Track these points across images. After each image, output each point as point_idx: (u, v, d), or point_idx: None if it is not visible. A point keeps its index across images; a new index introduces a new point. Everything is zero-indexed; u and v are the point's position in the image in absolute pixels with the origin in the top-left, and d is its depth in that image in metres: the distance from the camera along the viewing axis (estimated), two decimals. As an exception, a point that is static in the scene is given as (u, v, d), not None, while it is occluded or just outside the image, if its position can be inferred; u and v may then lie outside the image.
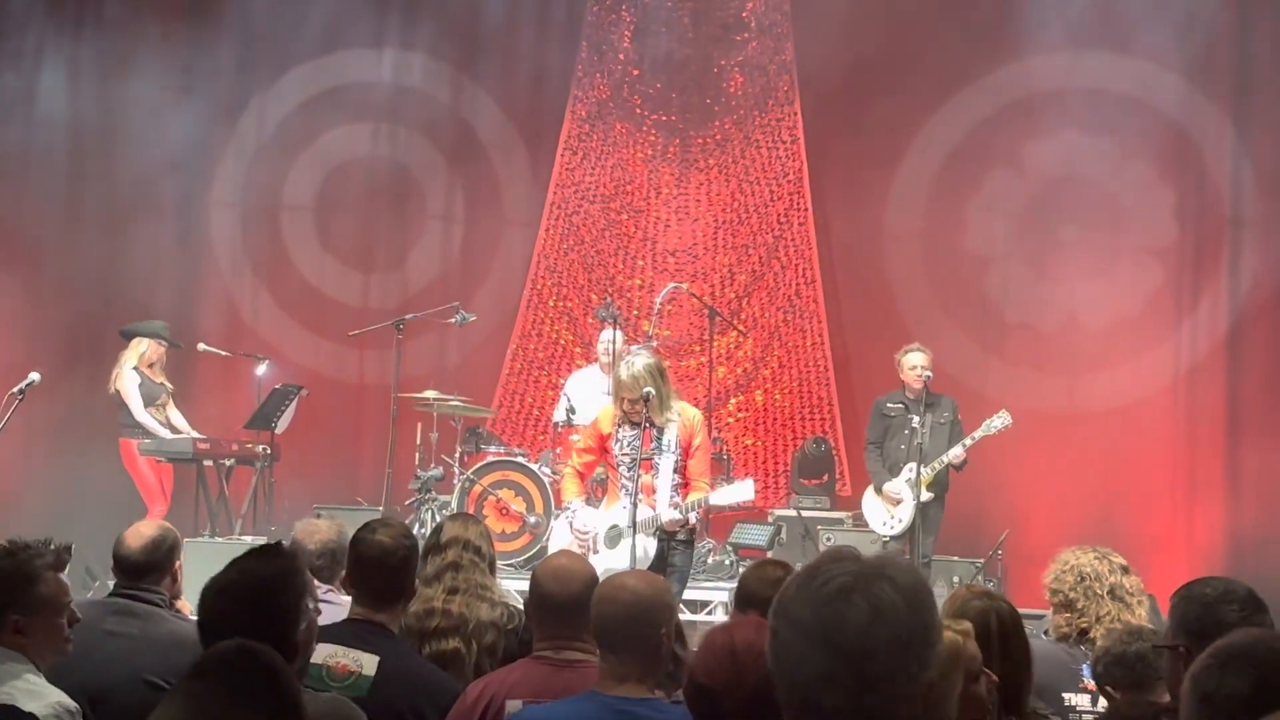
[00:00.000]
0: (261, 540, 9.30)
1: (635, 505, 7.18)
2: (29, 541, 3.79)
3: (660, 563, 7.24)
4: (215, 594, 3.17)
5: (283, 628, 3.11)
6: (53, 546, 3.82)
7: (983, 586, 3.86)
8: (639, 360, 7.37)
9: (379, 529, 4.39)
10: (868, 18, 11.38)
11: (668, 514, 7.24)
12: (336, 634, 4.06)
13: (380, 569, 4.27)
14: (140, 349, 10.75)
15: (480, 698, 3.92)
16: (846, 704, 1.91)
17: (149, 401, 10.72)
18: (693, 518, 7.42)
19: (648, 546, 7.22)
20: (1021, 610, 4.49)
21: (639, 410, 7.19)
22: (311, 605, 3.28)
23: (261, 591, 3.15)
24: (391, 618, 4.29)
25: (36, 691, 3.68)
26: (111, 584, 4.79)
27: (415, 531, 10.10)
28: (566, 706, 3.60)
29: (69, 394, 11.38)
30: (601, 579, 3.85)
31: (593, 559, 7.02)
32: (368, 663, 4.05)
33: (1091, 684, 4.09)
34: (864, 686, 1.90)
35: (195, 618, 3.31)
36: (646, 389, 7.13)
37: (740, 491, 7.62)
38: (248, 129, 12.47)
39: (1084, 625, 4.58)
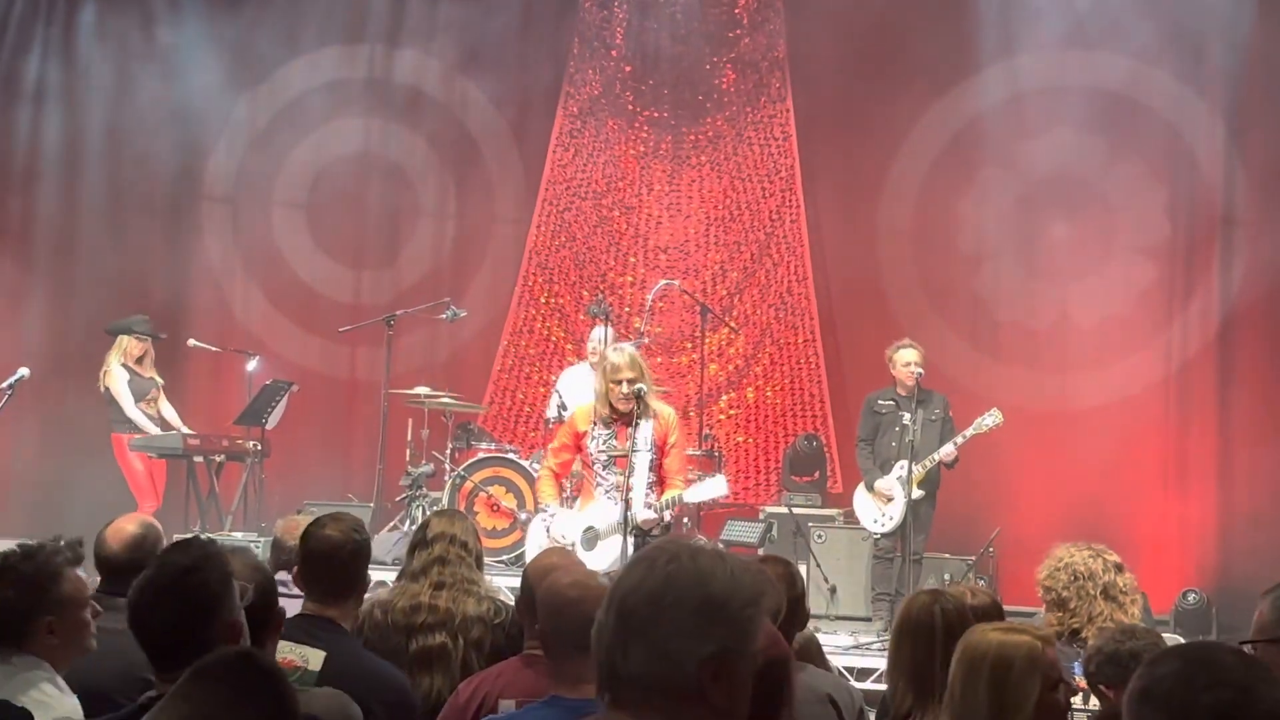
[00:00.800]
0: (253, 536, 9.33)
1: (627, 504, 7.18)
2: (43, 542, 3.77)
3: None
4: (138, 590, 3.17)
5: (205, 617, 3.10)
6: (64, 542, 3.81)
7: (938, 588, 3.84)
8: (627, 347, 7.43)
9: (328, 524, 4.36)
10: (860, 14, 11.36)
11: (643, 513, 7.26)
12: (285, 630, 4.03)
13: (329, 564, 4.24)
14: (123, 345, 10.74)
15: (473, 697, 3.90)
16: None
17: (139, 397, 10.71)
18: (667, 515, 7.43)
19: (626, 545, 7.22)
20: (1013, 607, 4.49)
21: (629, 396, 7.16)
22: (245, 599, 3.27)
23: (180, 582, 3.14)
24: (343, 613, 4.26)
25: (47, 704, 3.66)
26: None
27: (406, 528, 10.15)
28: (528, 714, 3.57)
29: (59, 389, 11.35)
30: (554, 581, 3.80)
31: None
32: (314, 658, 4.02)
33: (1083, 682, 4.07)
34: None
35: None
36: (639, 385, 7.15)
37: (713, 488, 7.59)
38: (239, 124, 12.44)
39: (1076, 625, 4.57)
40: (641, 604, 2.10)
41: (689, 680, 2.08)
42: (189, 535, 3.76)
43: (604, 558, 7.22)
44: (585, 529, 7.41)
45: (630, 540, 7.25)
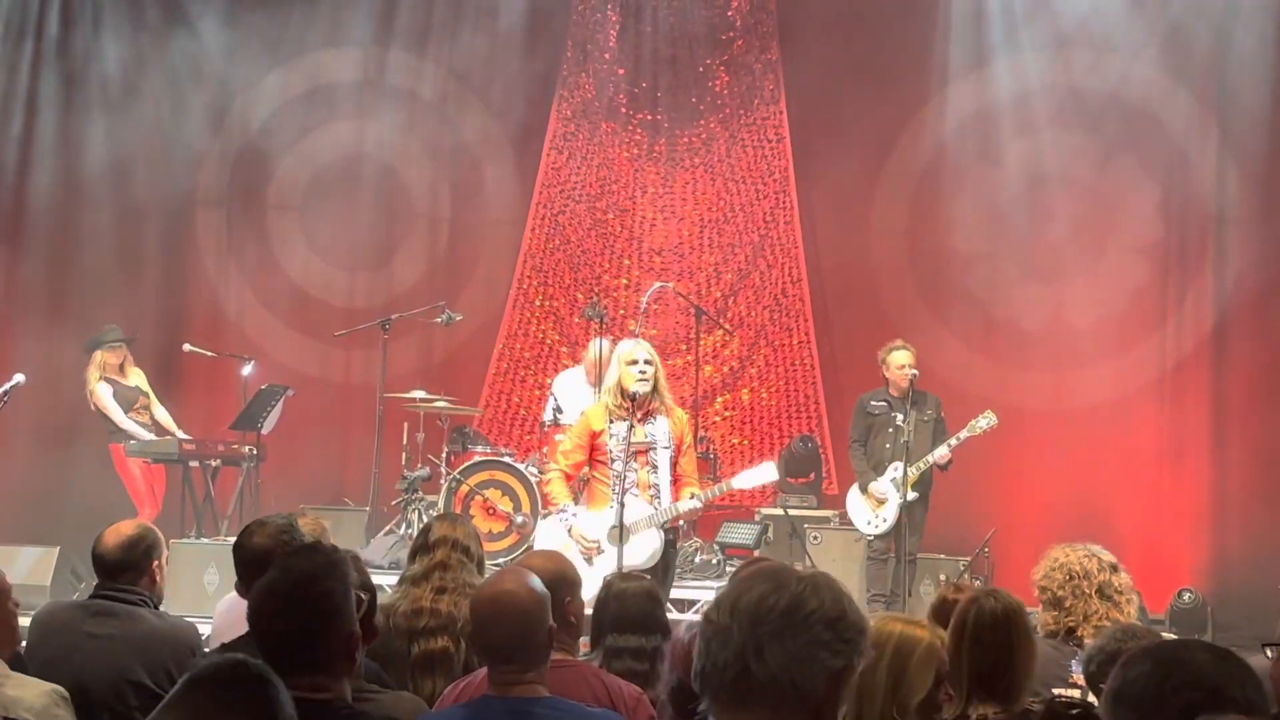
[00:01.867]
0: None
1: (658, 499, 7.26)
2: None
3: (664, 558, 7.30)
4: (260, 594, 3.16)
5: (327, 622, 3.10)
6: None
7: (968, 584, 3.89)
8: (634, 339, 7.49)
9: (255, 531, 4.37)
10: (852, 16, 11.40)
11: (686, 504, 7.28)
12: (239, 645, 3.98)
13: (261, 572, 4.23)
14: (99, 360, 10.76)
15: (460, 698, 3.91)
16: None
17: (128, 406, 10.73)
18: (692, 505, 7.44)
19: (655, 542, 7.24)
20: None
21: (645, 379, 7.17)
22: (362, 610, 3.26)
23: (302, 587, 3.13)
24: None
25: (26, 681, 3.67)
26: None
27: (402, 532, 10.16)
28: (463, 711, 3.58)
29: (53, 396, 11.35)
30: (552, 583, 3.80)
31: (599, 560, 7.15)
32: None
33: (1080, 679, 4.10)
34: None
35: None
36: (655, 371, 7.16)
37: (762, 473, 7.67)
38: (233, 128, 12.43)
39: (1071, 624, 4.59)
40: (779, 613, 2.16)
41: (816, 690, 2.15)
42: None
43: (639, 553, 7.20)
44: (610, 529, 7.30)
45: (660, 535, 7.26)
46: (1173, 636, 9.19)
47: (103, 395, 10.68)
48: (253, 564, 4.22)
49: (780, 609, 2.16)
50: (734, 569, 8.39)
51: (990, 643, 3.63)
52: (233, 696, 2.52)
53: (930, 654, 3.35)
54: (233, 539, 9.30)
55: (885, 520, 9.58)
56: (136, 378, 10.97)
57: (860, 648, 2.20)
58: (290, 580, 3.15)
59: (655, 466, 7.34)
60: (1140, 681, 2.42)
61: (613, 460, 7.36)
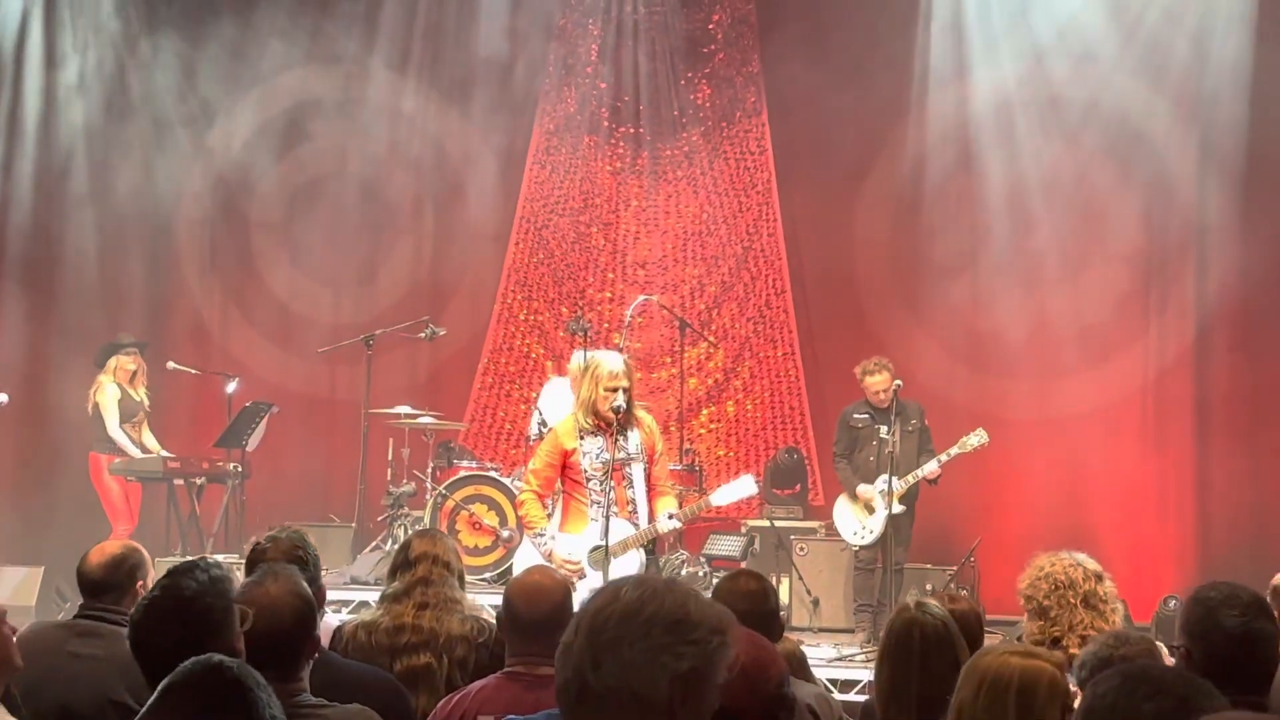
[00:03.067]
0: (234, 558, 9.30)
1: (636, 514, 7.14)
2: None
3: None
4: (141, 610, 3.18)
5: (206, 642, 3.09)
6: None
7: (920, 600, 3.84)
8: (621, 355, 7.39)
9: (269, 547, 4.43)
10: (833, 28, 11.42)
11: (666, 524, 7.16)
12: None
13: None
14: (114, 365, 10.75)
15: (451, 714, 3.91)
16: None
17: (126, 418, 10.72)
18: (673, 525, 7.36)
19: (637, 562, 7.17)
20: (996, 617, 4.52)
21: (619, 406, 7.09)
22: (245, 624, 3.26)
23: (184, 606, 3.15)
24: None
25: None
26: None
27: (388, 547, 10.14)
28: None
29: (36, 414, 11.32)
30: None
31: (581, 585, 6.94)
32: None
33: (1074, 686, 4.10)
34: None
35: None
36: (625, 395, 7.11)
37: (741, 488, 7.42)
38: (216, 144, 12.41)
39: (1057, 633, 4.59)
40: (614, 622, 2.15)
41: (660, 697, 2.12)
42: (191, 558, 3.71)
43: (622, 574, 7.08)
44: (592, 549, 7.16)
45: (641, 554, 7.17)
46: (1160, 644, 9.23)
47: (108, 395, 10.62)
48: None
49: (615, 617, 2.16)
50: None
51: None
52: (210, 699, 2.52)
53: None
54: (219, 557, 9.35)
55: (872, 531, 9.60)
56: (142, 394, 10.96)
57: (711, 646, 2.17)
58: (169, 597, 3.16)
59: (631, 481, 7.23)
60: (1111, 694, 2.48)
61: (588, 479, 7.21)
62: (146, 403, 10.98)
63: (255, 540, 4.64)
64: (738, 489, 7.44)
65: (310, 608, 3.59)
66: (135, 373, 10.89)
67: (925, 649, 3.57)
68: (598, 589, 2.27)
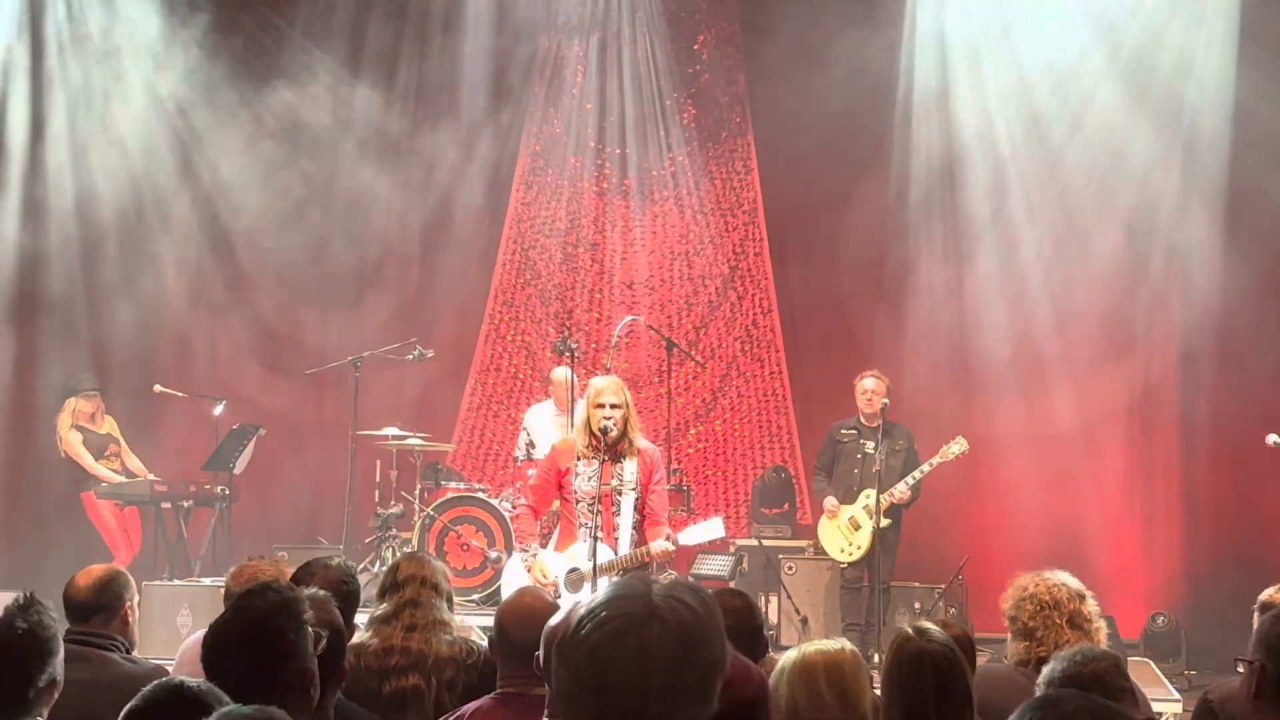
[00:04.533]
0: (221, 582, 9.28)
1: (595, 542, 7.09)
2: (12, 606, 3.72)
3: None
4: (214, 632, 3.17)
5: (279, 663, 3.11)
6: None
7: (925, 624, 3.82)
8: (613, 377, 7.39)
9: (317, 572, 4.41)
10: (818, 48, 11.45)
11: (659, 545, 7.12)
12: None
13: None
14: (72, 407, 10.75)
15: None
16: None
17: (99, 453, 10.71)
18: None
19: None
20: (982, 635, 4.52)
21: (612, 420, 7.10)
22: (319, 648, 3.26)
23: (256, 626, 3.14)
24: None
25: None
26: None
27: (376, 569, 10.13)
28: None
29: (24, 442, 11.30)
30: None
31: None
32: None
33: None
34: None
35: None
36: (621, 413, 7.11)
37: (708, 530, 7.40)
38: (201, 167, 12.40)
39: (1043, 654, 4.58)
40: (654, 692, 1.90)
41: None
42: (265, 582, 3.70)
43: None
44: (569, 570, 7.25)
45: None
46: (1146, 660, 9.25)
47: (73, 442, 10.68)
48: None
49: (633, 678, 1.91)
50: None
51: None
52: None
53: (858, 666, 3.49)
54: (206, 580, 9.37)
55: (859, 547, 9.62)
56: (108, 425, 10.97)
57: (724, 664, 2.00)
58: (243, 620, 3.16)
59: (620, 509, 7.23)
60: None
61: (578, 500, 7.28)
62: (116, 431, 10.97)
63: (304, 566, 4.62)
64: (706, 530, 7.42)
65: (340, 636, 3.60)
66: (94, 413, 10.88)
67: (939, 680, 3.54)
68: (599, 631, 1.94)
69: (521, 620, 3.97)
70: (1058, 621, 4.56)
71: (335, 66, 12.51)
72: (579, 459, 7.29)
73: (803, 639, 10.01)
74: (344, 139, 12.57)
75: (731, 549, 10.75)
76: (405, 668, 4.60)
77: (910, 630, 3.66)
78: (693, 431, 12.60)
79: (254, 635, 3.12)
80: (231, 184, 12.33)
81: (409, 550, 9.43)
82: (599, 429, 7.11)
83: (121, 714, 2.56)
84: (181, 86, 12.15)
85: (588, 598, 2.05)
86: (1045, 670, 3.67)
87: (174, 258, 12.39)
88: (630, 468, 7.25)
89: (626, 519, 7.23)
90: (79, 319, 11.83)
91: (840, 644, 3.54)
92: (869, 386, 9.73)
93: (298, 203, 12.41)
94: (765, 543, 10.70)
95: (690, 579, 9.63)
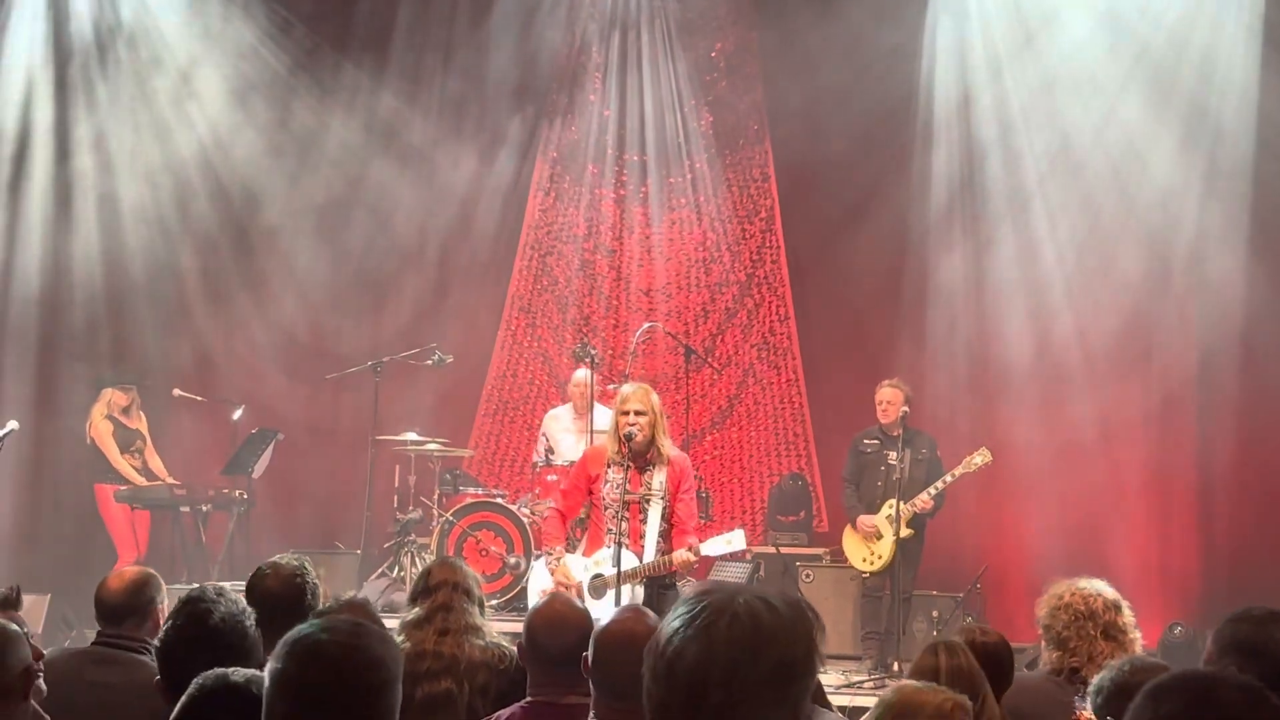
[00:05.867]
0: (239, 585, 9.28)
1: (620, 548, 7.09)
2: None
3: (655, 607, 7.16)
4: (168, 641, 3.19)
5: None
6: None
7: (959, 642, 3.82)
8: (641, 384, 7.41)
9: (269, 574, 4.55)
10: (836, 55, 11.44)
11: (680, 555, 7.11)
12: None
13: (275, 616, 4.20)
14: (108, 397, 10.78)
15: None
16: None
17: (124, 448, 10.73)
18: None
19: (635, 594, 7.16)
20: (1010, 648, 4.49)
21: (638, 427, 7.10)
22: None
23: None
24: None
25: None
26: (88, 632, 4.76)
27: (395, 575, 10.15)
28: None
29: (41, 442, 11.31)
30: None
31: None
32: None
33: (1084, 714, 4.09)
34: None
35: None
36: (646, 420, 7.11)
37: (732, 541, 7.36)
38: (222, 172, 12.38)
39: (1075, 664, 4.58)
40: (714, 681, 1.91)
41: None
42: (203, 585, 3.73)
43: (611, 606, 7.09)
44: (594, 576, 7.26)
45: (640, 590, 7.17)
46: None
47: (103, 432, 10.70)
48: (266, 607, 4.23)
49: (715, 673, 1.94)
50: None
51: None
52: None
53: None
54: (225, 584, 9.37)
55: (881, 557, 9.61)
56: (139, 423, 10.99)
57: (815, 670, 2.03)
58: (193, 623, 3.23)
59: (646, 517, 7.23)
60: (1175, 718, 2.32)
61: (606, 506, 7.29)
62: (145, 430, 10.99)
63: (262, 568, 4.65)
64: (727, 542, 7.39)
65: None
66: (129, 406, 10.91)
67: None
68: (684, 624, 1.97)
69: (552, 627, 3.96)
70: (1092, 632, 4.55)
71: (358, 73, 12.52)
72: (609, 466, 7.31)
73: (820, 648, 10.01)
74: (366, 145, 12.57)
75: (748, 556, 10.74)
76: (437, 672, 4.61)
77: (941, 645, 3.68)
78: (709, 438, 12.59)
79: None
80: (254, 189, 12.34)
81: (429, 555, 9.44)
82: (624, 435, 7.12)
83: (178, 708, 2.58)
84: (206, 92, 12.15)
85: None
86: (1095, 680, 3.66)
87: (195, 262, 12.40)
88: (659, 477, 7.25)
89: (653, 526, 7.22)
90: (100, 322, 11.85)
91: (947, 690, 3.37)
92: (885, 397, 9.72)
93: (319, 208, 12.42)
94: (782, 550, 10.69)
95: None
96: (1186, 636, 9.93)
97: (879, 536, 9.63)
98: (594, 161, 12.87)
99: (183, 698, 2.74)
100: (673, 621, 1.97)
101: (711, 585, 2.01)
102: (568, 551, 7.59)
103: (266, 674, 2.50)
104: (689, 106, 12.76)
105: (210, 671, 2.89)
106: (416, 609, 4.79)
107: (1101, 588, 4.66)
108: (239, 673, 2.87)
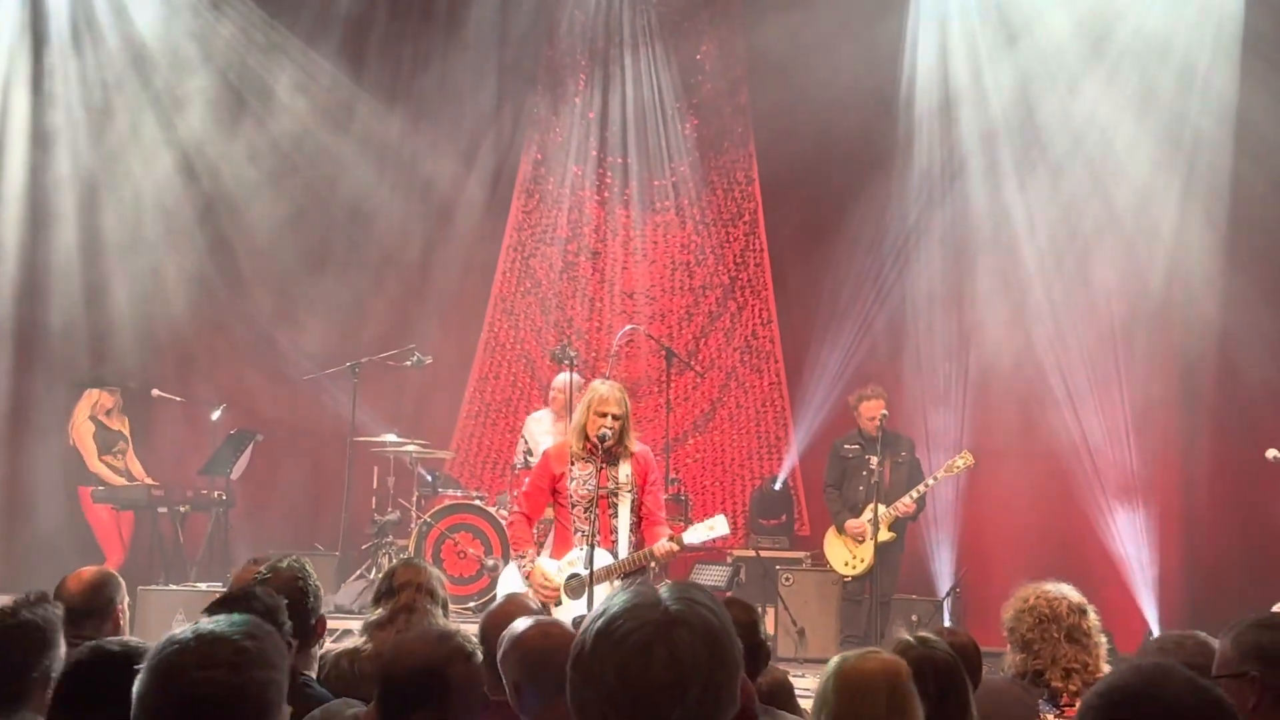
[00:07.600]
0: (218, 586, 9.25)
1: (618, 545, 7.03)
2: (22, 598, 3.66)
3: None
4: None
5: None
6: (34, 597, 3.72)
7: (927, 633, 3.80)
8: (615, 384, 7.31)
9: (269, 578, 4.38)
10: (820, 60, 11.43)
11: (663, 545, 6.96)
12: None
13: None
14: (93, 398, 10.74)
15: None
16: None
17: (105, 450, 10.69)
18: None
19: (614, 591, 7.06)
20: (982, 648, 4.48)
21: (611, 430, 7.02)
22: None
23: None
24: None
25: None
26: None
27: (372, 576, 10.11)
28: None
29: (21, 444, 11.27)
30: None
31: (557, 611, 6.89)
32: None
33: (1048, 718, 4.09)
34: None
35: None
36: (620, 423, 7.05)
37: (714, 528, 7.16)
38: (203, 173, 12.36)
39: (1039, 667, 4.57)
40: (668, 694, 1.88)
41: None
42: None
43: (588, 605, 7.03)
44: (569, 576, 7.09)
45: (619, 585, 7.09)
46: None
47: (84, 433, 10.67)
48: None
49: (664, 689, 1.91)
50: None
51: None
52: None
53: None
54: (202, 585, 9.35)
55: (863, 560, 9.60)
56: (122, 425, 10.95)
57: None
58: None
59: (616, 511, 7.12)
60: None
61: (573, 504, 7.14)
62: (127, 432, 10.96)
63: (256, 571, 4.59)
64: (709, 529, 7.20)
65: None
66: (112, 409, 10.87)
67: (940, 686, 3.53)
68: (626, 643, 1.91)
69: (502, 630, 3.93)
70: (1055, 635, 4.54)
71: (338, 74, 12.48)
72: (573, 463, 7.17)
73: (800, 650, 10.02)
74: (346, 146, 12.54)
75: (729, 559, 10.73)
76: (400, 674, 4.57)
77: (909, 637, 3.67)
78: (691, 441, 12.58)
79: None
80: (233, 189, 12.29)
81: (405, 556, 9.40)
82: (597, 436, 7.04)
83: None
84: (183, 92, 12.10)
85: (590, 613, 2.00)
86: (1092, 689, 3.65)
87: (174, 263, 12.34)
88: (625, 470, 7.14)
89: (624, 521, 7.11)
90: (78, 323, 11.79)
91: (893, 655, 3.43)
92: (875, 411, 9.72)
93: (299, 208, 12.38)
94: (763, 554, 10.67)
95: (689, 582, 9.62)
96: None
97: (860, 540, 9.62)
98: (577, 163, 12.85)
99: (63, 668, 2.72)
100: (617, 640, 1.91)
101: (636, 597, 1.97)
102: (544, 559, 7.47)
103: (134, 690, 2.35)
104: (673, 109, 12.75)
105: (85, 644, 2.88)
106: (380, 610, 4.77)
107: (1067, 591, 4.65)
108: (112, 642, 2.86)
